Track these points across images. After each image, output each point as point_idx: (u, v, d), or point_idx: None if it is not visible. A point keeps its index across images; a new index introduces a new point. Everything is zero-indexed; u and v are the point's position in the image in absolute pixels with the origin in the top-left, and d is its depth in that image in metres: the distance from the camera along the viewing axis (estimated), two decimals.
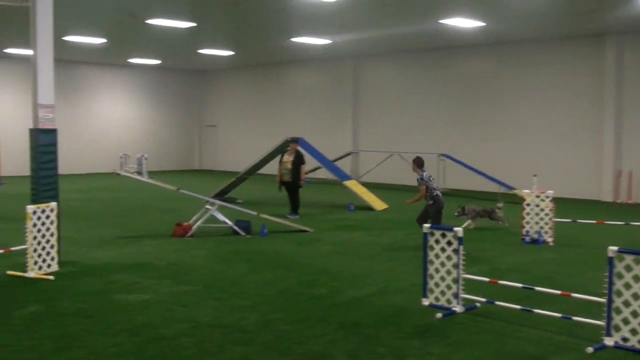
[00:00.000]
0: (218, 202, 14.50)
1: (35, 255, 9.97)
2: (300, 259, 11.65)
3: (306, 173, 17.50)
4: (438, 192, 12.57)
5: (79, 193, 22.34)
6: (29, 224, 9.89)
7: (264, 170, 20.83)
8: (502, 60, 24.44)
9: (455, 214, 15.06)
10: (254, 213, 14.56)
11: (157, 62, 32.37)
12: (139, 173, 29.81)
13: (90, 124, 33.26)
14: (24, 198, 18.99)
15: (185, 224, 13.98)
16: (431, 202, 12.53)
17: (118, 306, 8.39)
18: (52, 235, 10.26)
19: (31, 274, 9.87)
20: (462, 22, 19.44)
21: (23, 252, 10.27)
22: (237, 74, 35.03)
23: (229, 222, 14.09)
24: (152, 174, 30.55)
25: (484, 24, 19.61)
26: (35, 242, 9.96)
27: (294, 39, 23.46)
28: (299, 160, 16.91)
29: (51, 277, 9.83)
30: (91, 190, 23.81)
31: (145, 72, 35.01)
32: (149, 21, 19.85)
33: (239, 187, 21.07)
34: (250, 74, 34.16)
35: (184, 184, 15.68)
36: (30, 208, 9.96)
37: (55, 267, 10.33)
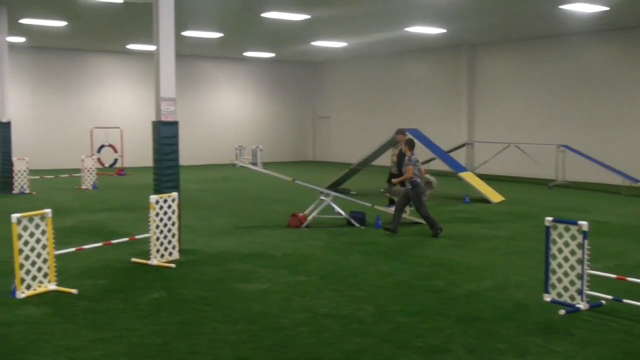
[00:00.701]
0: (333, 193, 14.54)
1: (158, 243, 10.30)
2: (416, 251, 11.53)
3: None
4: (418, 179, 13.06)
5: (197, 183, 22.97)
6: (152, 213, 10.23)
7: (378, 161, 20.74)
8: (625, 46, 23.32)
9: (381, 190, 15.27)
10: (369, 204, 14.53)
11: (271, 54, 32.84)
12: (254, 164, 30.36)
13: (206, 116, 34.18)
14: (144, 188, 19.87)
15: (301, 214, 14.11)
16: (410, 186, 13.00)
17: (236, 295, 8.55)
18: (173, 224, 10.58)
19: (154, 261, 10.21)
20: (583, 7, 18.66)
21: (146, 241, 10.63)
22: (350, 65, 35.06)
23: (344, 213, 14.11)
24: (266, 165, 30.89)
25: (607, 8, 18.76)
26: (158, 230, 10.29)
27: (407, 29, 23.22)
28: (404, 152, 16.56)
29: (172, 265, 10.14)
30: (208, 181, 24.45)
31: (260, 65, 35.60)
32: (264, 14, 20.13)
33: (352, 179, 21.08)
34: (363, 64, 34.10)
35: (298, 175, 15.82)
36: (153, 198, 10.29)
37: (176, 255, 10.65)
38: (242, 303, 8.12)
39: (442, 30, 23.66)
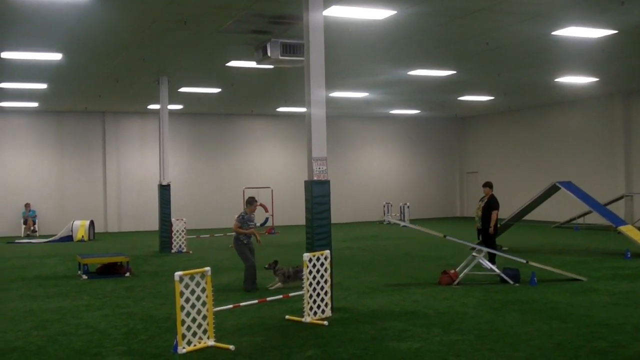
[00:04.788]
0: (485, 249, 14.21)
1: (311, 301, 10.42)
2: (576, 310, 10.98)
3: (496, 220, 15.61)
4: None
5: (345, 241, 23.14)
6: (306, 271, 10.38)
7: (530, 216, 20.12)
8: None
9: (266, 266, 13.96)
10: (523, 260, 14.06)
11: (417, 111, 32.95)
12: (402, 221, 30.33)
13: (353, 174, 34.59)
14: (294, 247, 20.27)
15: (452, 271, 13.86)
16: (246, 241, 13.64)
17: (391, 354, 8.45)
18: (326, 282, 10.68)
19: (307, 319, 10.32)
20: None
21: (299, 298, 10.78)
22: (497, 118, 34.52)
23: (497, 270, 13.74)
24: (413, 222, 30.91)
25: None
26: (311, 288, 10.42)
27: (558, 80, 22.66)
28: (490, 206, 15.69)
29: (325, 323, 10.20)
30: (356, 239, 24.57)
31: (406, 122, 35.78)
32: (411, 72, 20.31)
33: (504, 234, 20.52)
34: (511, 118, 33.49)
35: (447, 232, 15.61)
36: (306, 256, 10.45)
37: (328, 312, 10.71)
38: None
39: (594, 79, 22.90)
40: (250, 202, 14.11)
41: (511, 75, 21.93)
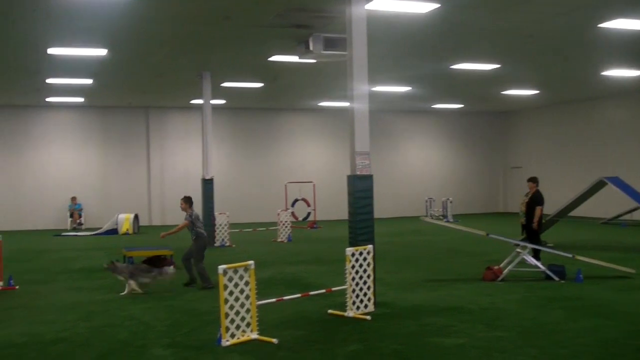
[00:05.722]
0: (529, 245, 14.04)
1: (354, 295, 10.41)
2: (621, 307, 10.79)
3: (540, 216, 15.33)
4: (202, 231, 13.54)
5: (387, 236, 23.06)
6: (348, 265, 10.37)
7: (576, 212, 19.82)
8: None
9: (105, 266, 13.23)
10: (569, 255, 13.85)
11: (459, 105, 32.67)
12: (444, 216, 30.13)
13: (395, 169, 34.43)
14: (336, 241, 20.27)
15: (496, 267, 13.72)
16: (194, 237, 13.46)
17: (434, 349, 8.41)
18: (368, 276, 10.66)
19: (350, 313, 10.32)
20: None
21: (342, 293, 10.78)
22: (542, 112, 34.01)
23: (542, 266, 13.56)
24: (457, 217, 30.70)
25: None
26: (354, 283, 10.41)
27: (604, 73, 22.25)
28: (534, 201, 15.46)
29: (368, 317, 10.19)
30: (398, 234, 24.48)
31: (448, 116, 35.49)
32: (454, 66, 20.14)
33: (549, 230, 20.25)
34: (556, 112, 32.96)
35: (490, 228, 15.49)
36: (349, 250, 10.45)
37: (371, 307, 10.69)
38: (440, 358, 7.97)
39: None
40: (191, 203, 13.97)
41: (556, 69, 21.59)
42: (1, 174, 29.36)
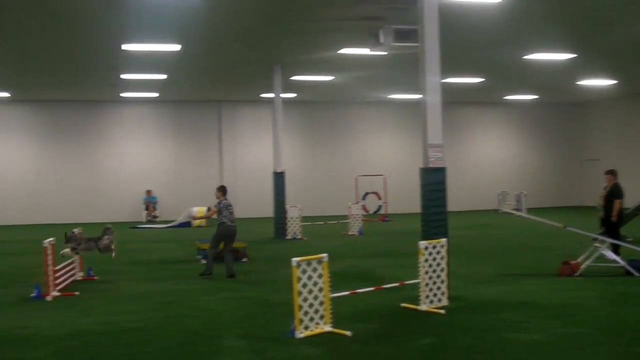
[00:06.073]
0: (608, 239, 13.65)
1: (427, 289, 10.32)
2: None
3: (619, 210, 14.57)
4: (226, 221, 13.70)
5: (460, 229, 22.77)
6: (422, 259, 10.28)
7: None
8: None
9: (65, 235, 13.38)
10: None
11: (533, 97, 32.01)
12: (518, 210, 29.58)
13: (466, 162, 34.02)
14: (408, 234, 20.17)
15: (573, 262, 13.39)
16: (218, 224, 13.83)
17: (508, 345, 8.26)
18: (442, 270, 10.54)
19: (423, 307, 10.23)
20: None
21: (414, 286, 10.70)
22: (619, 103, 32.99)
23: (621, 261, 13.17)
24: (530, 211, 30.07)
25: None
26: (427, 276, 10.31)
27: None
28: (612, 194, 14.76)
29: (442, 311, 10.08)
30: (471, 227, 24.17)
31: (521, 108, 34.83)
32: (527, 56, 19.73)
33: (628, 224, 19.60)
34: (635, 103, 31.93)
35: (566, 221, 15.10)
36: (422, 244, 10.35)
37: (445, 301, 10.58)
38: (515, 354, 7.83)
39: None
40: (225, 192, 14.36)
41: (636, 58, 20.89)
42: (77, 168, 30.25)
